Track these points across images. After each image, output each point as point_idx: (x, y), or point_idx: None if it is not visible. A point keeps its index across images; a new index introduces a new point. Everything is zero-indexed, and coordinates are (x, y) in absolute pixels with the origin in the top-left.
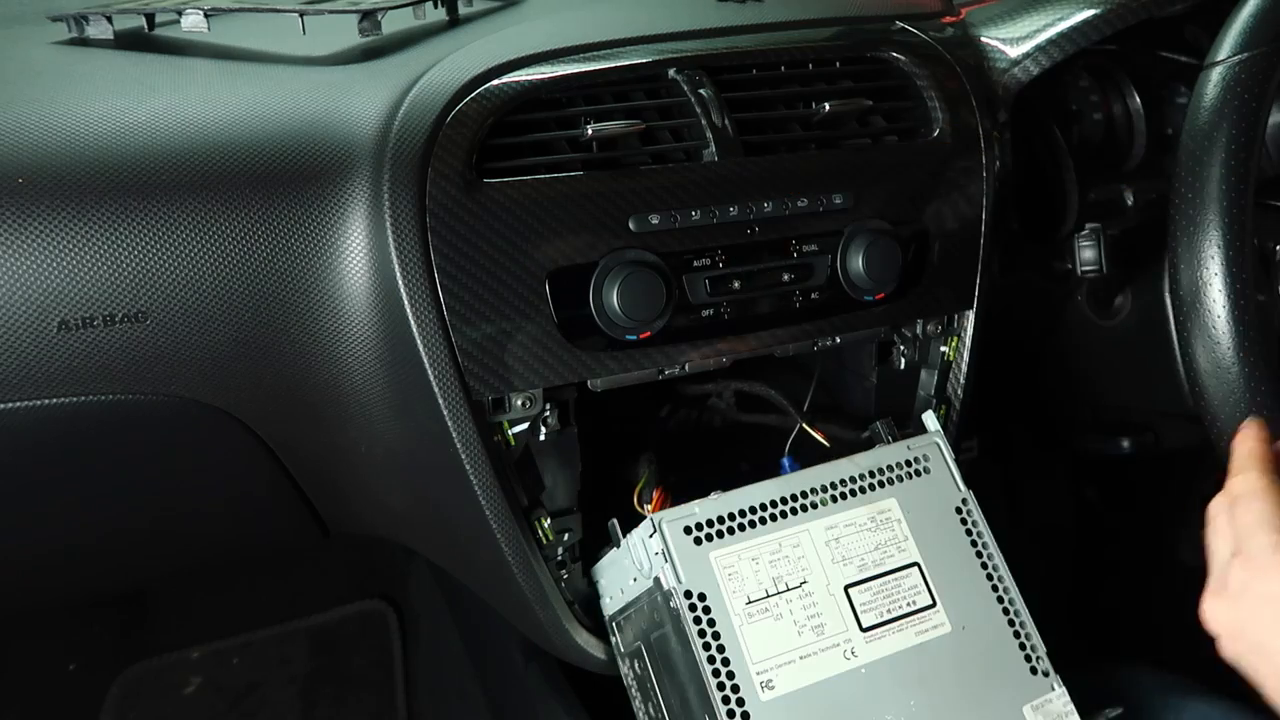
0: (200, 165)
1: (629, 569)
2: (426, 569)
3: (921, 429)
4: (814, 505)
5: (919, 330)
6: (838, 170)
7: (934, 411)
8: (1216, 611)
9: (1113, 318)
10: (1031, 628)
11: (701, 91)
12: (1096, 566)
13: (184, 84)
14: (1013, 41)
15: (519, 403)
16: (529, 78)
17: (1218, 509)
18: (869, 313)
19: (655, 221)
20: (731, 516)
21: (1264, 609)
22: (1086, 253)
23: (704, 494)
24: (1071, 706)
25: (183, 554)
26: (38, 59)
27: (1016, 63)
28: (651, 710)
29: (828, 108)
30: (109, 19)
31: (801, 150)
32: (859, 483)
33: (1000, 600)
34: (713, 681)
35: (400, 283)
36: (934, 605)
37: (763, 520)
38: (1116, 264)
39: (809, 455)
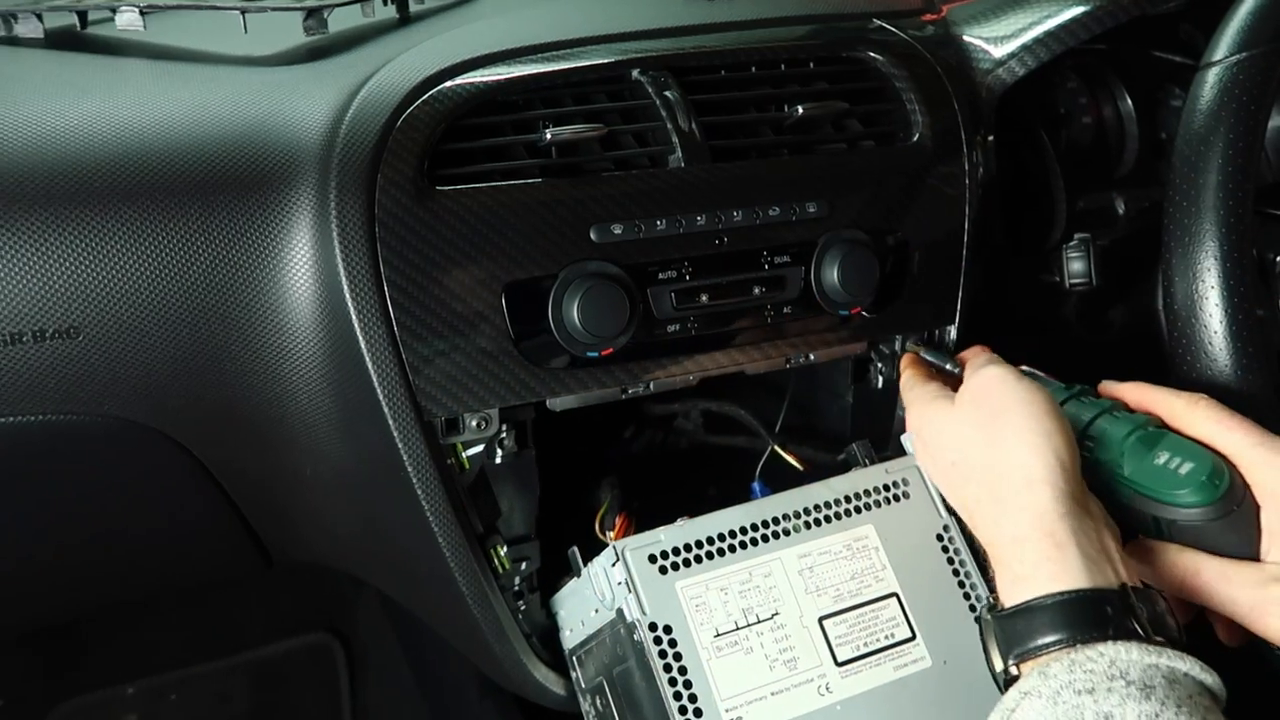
0: (136, 172)
1: (590, 600)
2: (376, 599)
3: (901, 451)
4: (786, 532)
5: (898, 346)
6: (811, 177)
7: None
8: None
9: (1103, 333)
10: None
11: (667, 94)
12: None
13: (119, 85)
14: (997, 41)
15: (473, 423)
16: (484, 79)
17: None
18: (845, 328)
19: (618, 231)
20: (699, 544)
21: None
22: (1075, 264)
23: (670, 520)
24: None
25: (117, 584)
26: None
27: (1001, 63)
28: None
29: (801, 111)
30: (39, 16)
31: (773, 156)
32: (834, 508)
33: None
34: (679, 719)
35: (348, 296)
36: (914, 638)
37: (732, 548)
38: (1107, 277)
39: (781, 479)
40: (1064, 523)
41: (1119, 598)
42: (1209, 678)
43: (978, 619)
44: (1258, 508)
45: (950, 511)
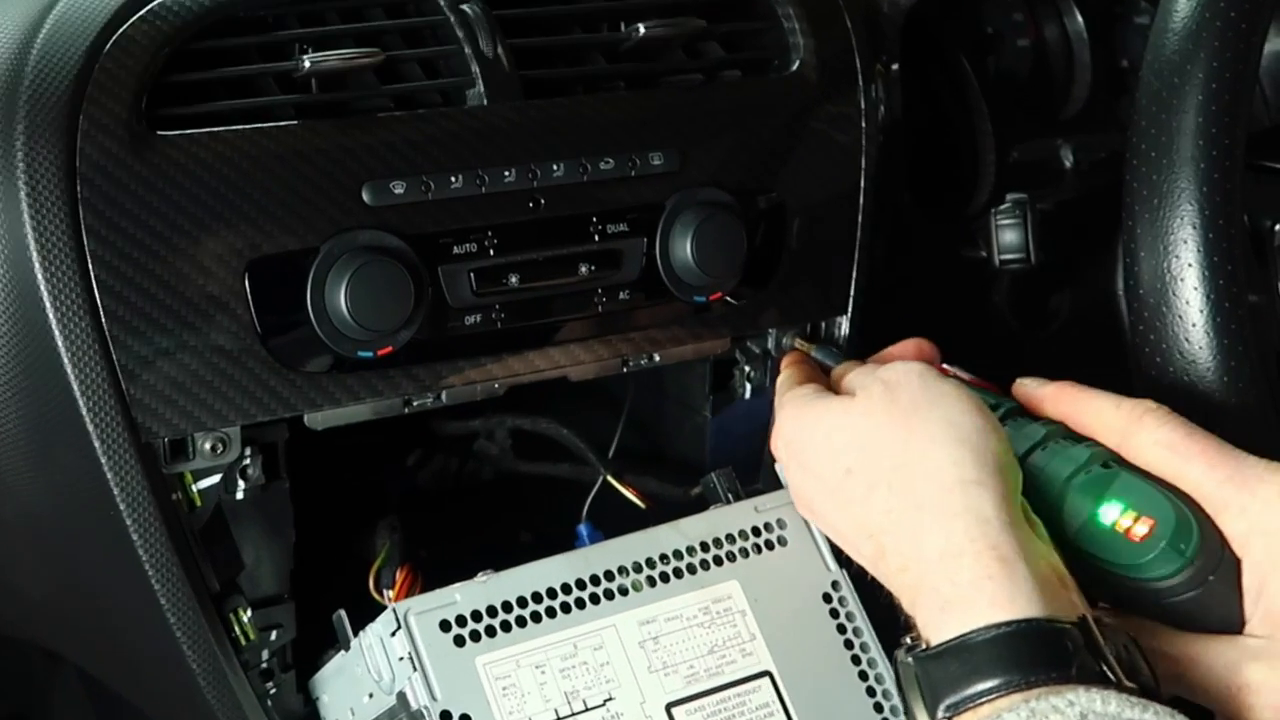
0: None
1: (363, 681)
2: (76, 679)
3: (775, 483)
4: (623, 591)
5: (771, 344)
6: (657, 118)
7: None
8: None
9: (1044, 325)
10: None
11: (464, 8)
12: None
13: None
14: None
15: (207, 446)
16: None
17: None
18: (701, 320)
19: (400, 191)
20: (507, 606)
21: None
22: (1008, 235)
23: (469, 574)
24: None
25: None
26: None
27: None
28: None
29: (642, 31)
30: None
31: (606, 90)
32: (687, 559)
33: None
34: None
35: (40, 278)
36: None
37: (551, 612)
38: (1050, 251)
39: (617, 521)
40: (1010, 534)
41: (1081, 632)
42: None
43: (892, 669)
44: (1237, 563)
45: (842, 563)
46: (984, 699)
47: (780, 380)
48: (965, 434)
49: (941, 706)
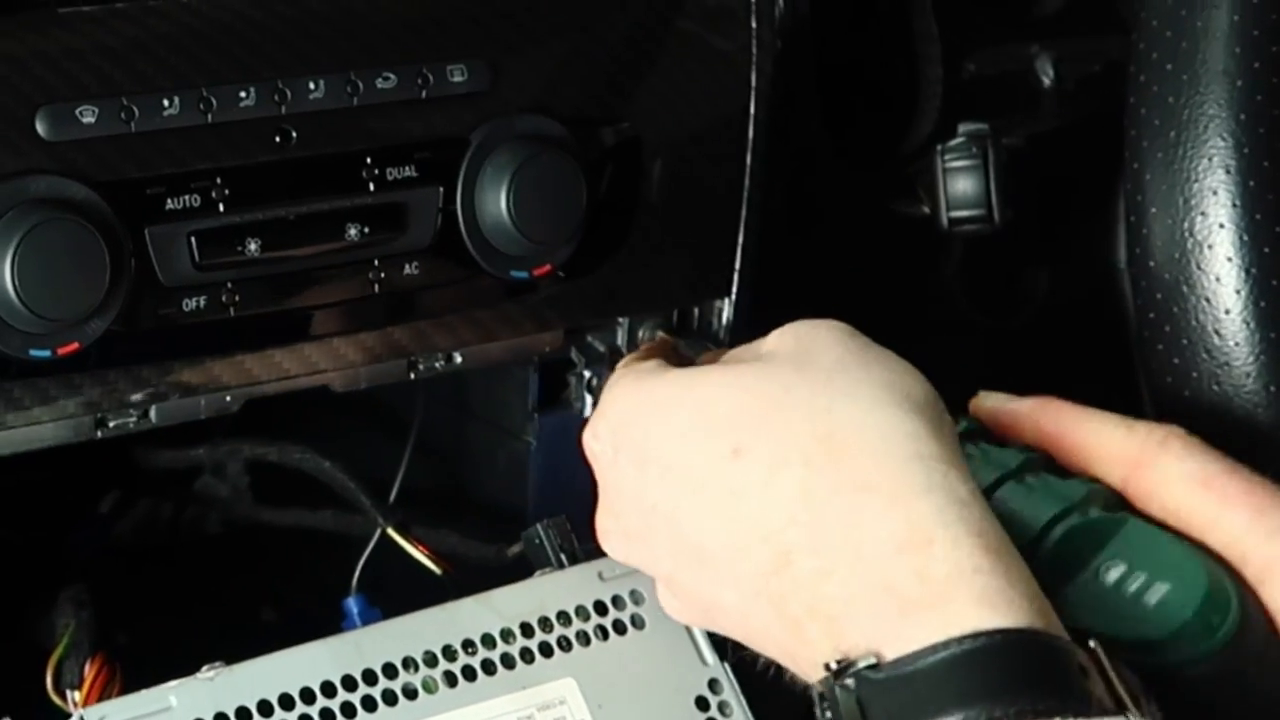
0: None
1: None
2: None
3: None
4: (411, 693)
5: (621, 339)
6: (459, 14)
7: None
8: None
9: (1013, 313)
10: None
11: None
12: None
13: None
14: None
15: None
16: None
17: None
18: (522, 304)
19: (90, 120)
20: (244, 715)
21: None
22: (961, 182)
23: (190, 669)
24: None
25: None
26: None
27: None
28: None
29: None
30: None
31: None
32: (502, 647)
33: None
34: None
35: None
36: None
37: None
38: (1020, 205)
39: (401, 592)
40: (994, 524)
41: (1094, 662)
42: None
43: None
44: None
45: (722, 654)
46: None
47: (620, 364)
48: (919, 401)
49: None
